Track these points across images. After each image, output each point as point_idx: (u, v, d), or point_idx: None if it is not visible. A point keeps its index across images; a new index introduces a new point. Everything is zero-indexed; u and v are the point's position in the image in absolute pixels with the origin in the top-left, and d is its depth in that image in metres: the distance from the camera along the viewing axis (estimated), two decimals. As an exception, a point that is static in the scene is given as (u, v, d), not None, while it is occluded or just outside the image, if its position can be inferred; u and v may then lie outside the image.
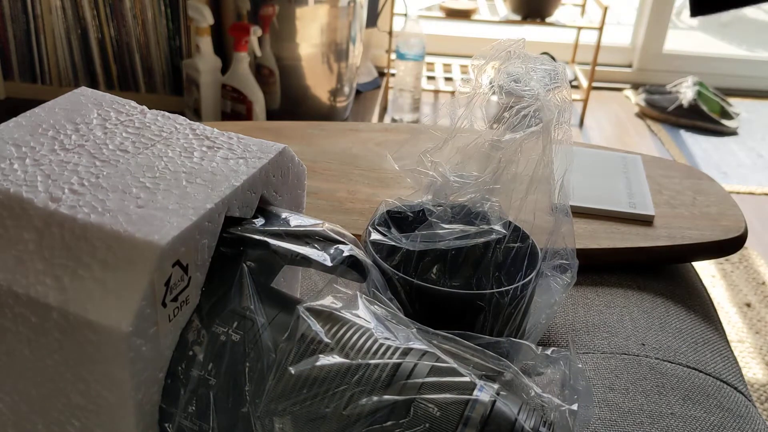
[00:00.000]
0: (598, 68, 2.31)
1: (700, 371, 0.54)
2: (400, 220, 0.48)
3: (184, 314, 0.34)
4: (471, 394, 0.32)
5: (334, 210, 0.68)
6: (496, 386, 0.33)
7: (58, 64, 2.12)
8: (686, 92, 2.34)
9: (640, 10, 2.59)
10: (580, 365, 0.35)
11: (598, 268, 0.64)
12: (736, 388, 0.54)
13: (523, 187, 0.45)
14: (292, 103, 2.03)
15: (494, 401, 0.32)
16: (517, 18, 2.22)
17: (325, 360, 0.33)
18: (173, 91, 2.14)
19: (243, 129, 0.49)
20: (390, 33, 2.24)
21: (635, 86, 2.56)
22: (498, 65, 0.45)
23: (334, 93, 2.08)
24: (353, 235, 0.39)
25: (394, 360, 0.33)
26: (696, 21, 3.11)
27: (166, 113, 0.42)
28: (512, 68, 0.44)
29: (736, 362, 0.58)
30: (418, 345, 0.34)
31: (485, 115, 0.46)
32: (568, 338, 0.57)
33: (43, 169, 0.35)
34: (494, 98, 0.45)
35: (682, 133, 2.32)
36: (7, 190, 0.34)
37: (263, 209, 0.39)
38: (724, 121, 2.31)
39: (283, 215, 0.39)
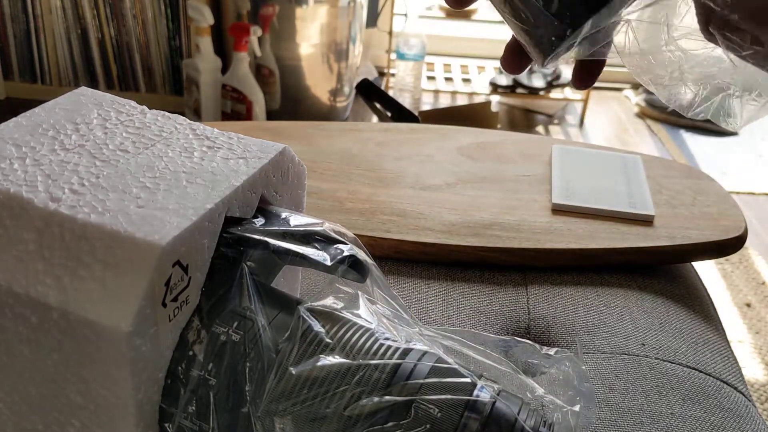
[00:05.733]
0: (598, 68, 2.30)
1: (700, 371, 0.54)
2: None
3: (184, 314, 0.34)
4: (471, 395, 0.32)
5: (334, 210, 0.68)
6: (496, 386, 0.33)
7: (58, 64, 2.12)
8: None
9: (640, 10, 2.59)
10: (583, 366, 0.35)
11: (598, 268, 0.65)
12: (736, 388, 0.54)
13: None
14: (292, 103, 2.03)
15: (494, 401, 0.32)
16: (517, 18, 2.21)
17: (326, 360, 0.33)
18: (173, 91, 2.14)
19: (243, 129, 0.49)
20: (390, 33, 2.24)
21: (635, 86, 2.56)
22: None
23: (334, 93, 2.08)
24: (353, 234, 0.39)
25: (394, 360, 0.33)
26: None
27: (166, 113, 0.42)
28: None
29: (736, 362, 0.58)
30: (419, 345, 0.34)
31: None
32: (571, 339, 0.57)
33: (43, 169, 0.35)
34: None
35: (682, 133, 2.32)
36: (7, 190, 0.34)
37: (263, 209, 0.39)
38: (724, 121, 2.31)
39: (283, 215, 0.39)
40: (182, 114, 0.52)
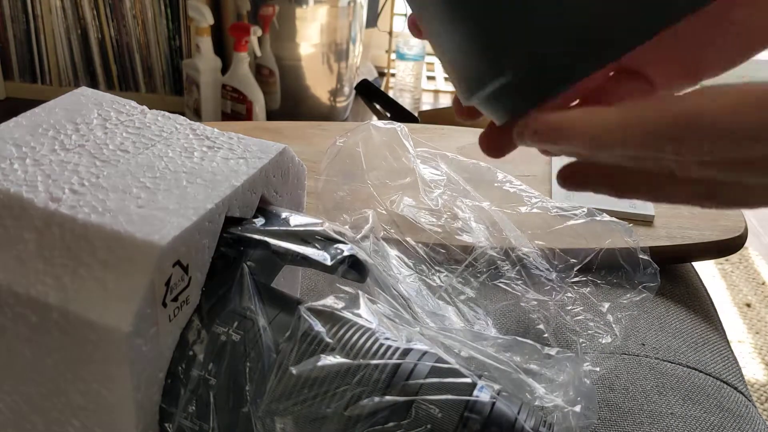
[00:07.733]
0: (598, 68, 2.30)
1: (700, 371, 0.54)
2: None
3: (185, 314, 0.34)
4: (471, 395, 0.32)
5: (334, 210, 0.67)
6: (496, 386, 0.33)
7: (58, 64, 2.12)
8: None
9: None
10: (585, 367, 0.35)
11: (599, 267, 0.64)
12: (736, 388, 0.54)
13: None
14: (292, 103, 2.03)
15: (494, 401, 0.32)
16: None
17: (327, 360, 0.33)
18: (173, 91, 2.14)
19: (243, 129, 0.49)
20: (390, 33, 2.24)
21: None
22: None
23: (334, 93, 2.08)
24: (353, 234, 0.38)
25: (394, 360, 0.33)
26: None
27: (167, 113, 0.42)
28: None
29: (736, 362, 0.58)
30: (419, 345, 0.34)
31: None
32: (572, 339, 0.57)
33: (44, 169, 0.35)
34: None
35: (682, 133, 2.31)
36: (8, 190, 0.34)
37: (263, 209, 0.39)
38: (724, 121, 2.31)
39: (283, 215, 0.39)
40: (182, 114, 0.52)
